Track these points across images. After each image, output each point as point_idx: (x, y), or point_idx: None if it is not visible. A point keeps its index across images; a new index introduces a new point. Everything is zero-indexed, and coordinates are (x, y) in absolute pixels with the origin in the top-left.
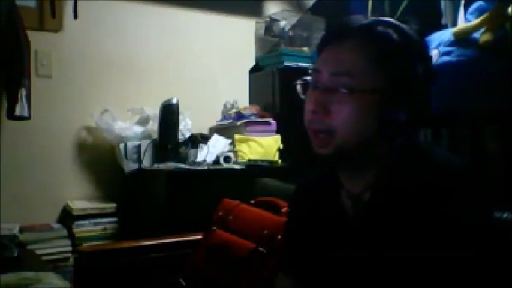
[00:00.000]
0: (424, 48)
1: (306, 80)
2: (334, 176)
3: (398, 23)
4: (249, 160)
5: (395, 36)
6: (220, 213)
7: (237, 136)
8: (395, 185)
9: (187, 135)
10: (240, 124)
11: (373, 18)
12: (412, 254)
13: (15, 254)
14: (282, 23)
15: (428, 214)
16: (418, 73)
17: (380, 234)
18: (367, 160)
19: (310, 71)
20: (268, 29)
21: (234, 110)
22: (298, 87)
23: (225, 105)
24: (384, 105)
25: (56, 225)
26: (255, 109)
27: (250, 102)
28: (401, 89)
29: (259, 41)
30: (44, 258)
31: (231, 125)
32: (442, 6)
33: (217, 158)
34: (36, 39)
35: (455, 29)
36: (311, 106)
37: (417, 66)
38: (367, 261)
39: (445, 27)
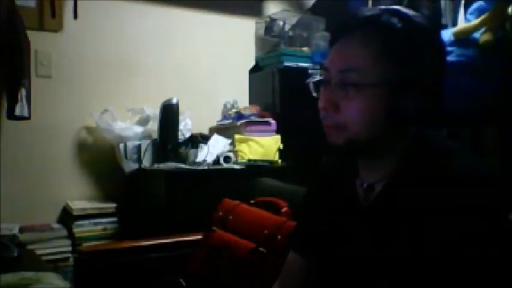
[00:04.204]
0: (434, 36)
1: (318, 78)
2: (353, 163)
3: (406, 10)
4: (249, 160)
5: (400, 25)
6: (220, 213)
7: (237, 136)
8: (408, 180)
9: (187, 135)
10: (240, 124)
11: (380, 7)
12: (414, 251)
13: (15, 254)
14: (282, 23)
15: (438, 213)
16: (427, 62)
17: (386, 226)
18: (379, 151)
19: (321, 69)
20: (268, 29)
21: (234, 110)
22: (311, 85)
23: (225, 105)
24: (393, 98)
25: (56, 225)
26: (255, 109)
27: (250, 102)
28: (409, 80)
29: (259, 41)
30: (44, 258)
31: (231, 125)
32: (442, 6)
33: (217, 158)
34: (36, 39)
35: (455, 29)
36: (321, 103)
37: (426, 55)
38: (372, 250)
39: (445, 27)
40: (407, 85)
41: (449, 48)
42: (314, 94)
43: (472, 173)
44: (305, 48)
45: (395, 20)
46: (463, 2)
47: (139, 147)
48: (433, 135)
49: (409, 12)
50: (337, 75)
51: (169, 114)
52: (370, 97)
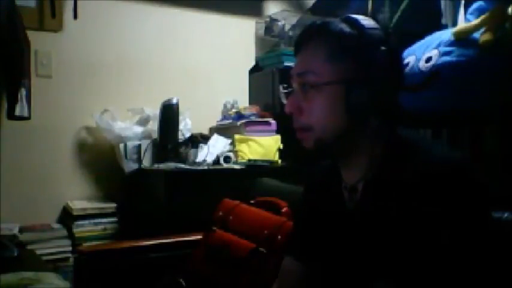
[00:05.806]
0: (383, 37)
1: (290, 89)
2: (336, 167)
3: (355, 16)
4: (249, 160)
5: (348, 30)
6: (220, 213)
7: (237, 136)
8: (386, 178)
9: (187, 135)
10: (240, 124)
11: (332, 19)
12: (403, 246)
13: (15, 254)
14: (282, 23)
15: (419, 206)
16: (376, 59)
17: (373, 224)
18: (351, 150)
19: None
20: (268, 29)
21: (234, 110)
22: (282, 95)
23: (225, 105)
24: (348, 94)
25: (56, 225)
26: (255, 109)
27: (250, 102)
28: (360, 76)
29: (259, 41)
30: (44, 258)
31: (231, 125)
32: (442, 6)
33: (217, 158)
34: (36, 39)
35: (455, 29)
36: (287, 109)
37: (374, 53)
38: (363, 251)
39: (445, 27)
40: (359, 82)
41: (449, 48)
42: (284, 102)
43: (445, 166)
44: None
45: (343, 25)
46: (463, 2)
47: (139, 147)
48: (406, 133)
49: (359, 18)
50: (296, 79)
51: (169, 114)
52: (328, 95)
